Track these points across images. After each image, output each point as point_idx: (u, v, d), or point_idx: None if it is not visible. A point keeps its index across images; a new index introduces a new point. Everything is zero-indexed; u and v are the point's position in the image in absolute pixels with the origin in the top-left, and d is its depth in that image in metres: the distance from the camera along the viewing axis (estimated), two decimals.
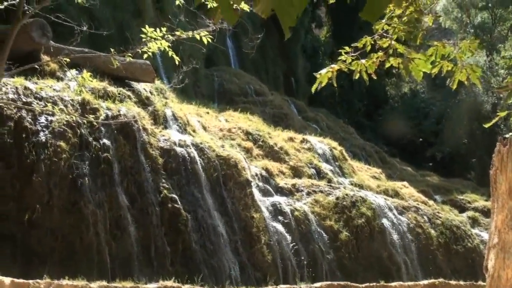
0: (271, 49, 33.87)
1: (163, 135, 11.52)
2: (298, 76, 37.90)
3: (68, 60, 7.00)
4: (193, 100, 18.37)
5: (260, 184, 13.14)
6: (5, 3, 7.23)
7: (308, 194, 13.77)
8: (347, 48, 6.70)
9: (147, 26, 6.95)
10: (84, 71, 7.60)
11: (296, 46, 37.34)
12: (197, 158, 11.48)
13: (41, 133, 9.54)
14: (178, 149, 11.32)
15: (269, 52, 33.53)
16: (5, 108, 9.32)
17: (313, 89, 6.74)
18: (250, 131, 15.52)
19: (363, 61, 6.63)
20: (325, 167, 15.91)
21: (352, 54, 6.66)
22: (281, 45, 35.66)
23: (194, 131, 13.17)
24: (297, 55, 38.13)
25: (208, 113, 16.57)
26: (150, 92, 13.18)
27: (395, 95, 45.24)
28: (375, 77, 6.81)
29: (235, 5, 2.38)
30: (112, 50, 7.55)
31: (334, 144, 18.07)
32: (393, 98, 44.83)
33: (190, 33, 7.05)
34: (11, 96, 9.71)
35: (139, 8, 22.39)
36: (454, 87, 6.56)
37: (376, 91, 40.55)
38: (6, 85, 9.70)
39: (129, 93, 12.13)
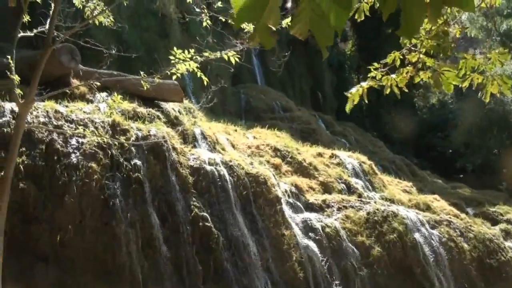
0: (297, 64, 33.93)
1: (193, 154, 11.57)
2: (325, 90, 37.90)
3: (98, 83, 7.12)
4: (221, 118, 18.45)
5: (290, 200, 13.06)
6: (35, 30, 7.39)
7: (339, 209, 13.65)
8: (376, 65, 6.72)
9: (175, 48, 7.03)
10: (115, 93, 7.69)
11: (322, 61, 37.36)
12: (227, 176, 11.50)
13: (73, 155, 9.63)
14: (208, 168, 11.36)
15: (295, 68, 33.60)
16: (36, 132, 9.46)
17: (347, 109, 6.76)
18: (279, 148, 15.49)
19: (393, 75, 6.63)
20: (355, 182, 15.78)
21: (382, 69, 6.67)
22: (307, 60, 35.71)
23: (223, 149, 13.21)
24: (323, 69, 38.15)
25: (236, 130, 16.61)
26: (179, 112, 13.30)
27: (423, 106, 44.89)
28: (406, 90, 6.81)
29: (272, 28, 2.43)
30: (141, 72, 7.65)
31: (364, 158, 17.94)
32: (421, 110, 44.49)
33: (218, 54, 7.12)
34: (42, 119, 9.86)
35: (166, 29, 22.65)
36: (487, 100, 6.53)
37: (403, 103, 40.30)
38: (37, 109, 9.85)
39: (158, 113, 12.26)
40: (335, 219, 13.23)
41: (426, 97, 45.02)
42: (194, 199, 10.77)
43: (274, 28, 2.45)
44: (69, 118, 10.22)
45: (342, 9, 2.33)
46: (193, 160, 11.37)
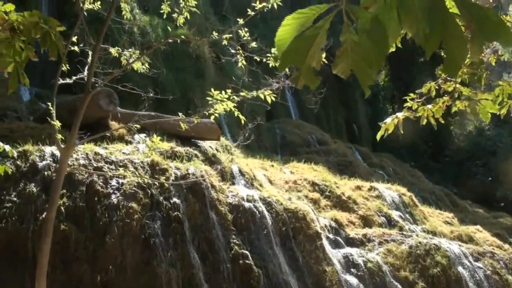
0: (331, 97, 33.92)
1: (231, 191, 11.59)
2: (360, 122, 37.77)
3: (138, 126, 7.24)
4: (257, 153, 18.49)
5: (330, 235, 12.91)
6: (73, 78, 7.59)
7: (380, 244, 13.42)
8: (412, 95, 6.71)
9: (212, 89, 7.12)
10: (153, 134, 7.81)
11: (355, 92, 37.35)
12: (266, 212, 11.46)
13: (113, 196, 9.75)
14: (247, 205, 11.34)
15: (329, 101, 33.58)
16: (76, 173, 9.61)
17: (378, 137, 6.73)
18: (316, 182, 15.37)
19: (430, 106, 6.61)
20: (396, 215, 15.53)
21: (418, 100, 6.67)
22: (341, 92, 35.71)
23: (260, 185, 13.20)
24: (357, 101, 38.09)
25: (272, 166, 16.57)
26: (216, 150, 13.41)
27: (460, 134, 44.38)
28: (442, 121, 6.77)
29: (316, 69, 2.54)
30: (180, 114, 7.76)
31: (403, 190, 17.68)
32: (459, 138, 43.98)
33: (254, 93, 7.19)
34: (82, 161, 10.04)
35: (201, 70, 22.94)
36: None
37: (440, 132, 39.89)
38: (77, 152, 10.03)
39: (196, 152, 12.37)
40: (377, 254, 12.99)
41: (462, 125, 44.52)
42: (233, 236, 10.75)
43: (318, 69, 2.52)
44: (108, 160, 10.38)
45: (379, 50, 2.40)
46: (231, 197, 11.39)
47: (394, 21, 2.38)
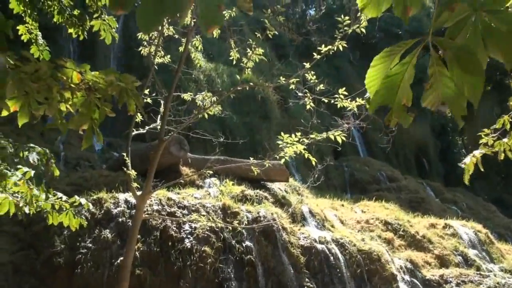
0: (398, 132, 33.37)
1: (303, 233, 11.51)
2: (429, 156, 36.91)
3: (211, 172, 7.36)
4: (325, 193, 18.31)
5: (406, 277, 12.53)
6: (147, 128, 7.82)
7: (458, 285, 12.86)
8: (486, 130, 6.58)
9: (282, 133, 7.16)
10: (226, 180, 7.88)
11: (423, 126, 36.64)
12: (339, 254, 11.28)
13: (186, 240, 9.86)
14: (319, 246, 11.21)
15: (396, 136, 33.07)
16: (150, 219, 9.79)
17: (466, 181, 6.60)
18: (389, 221, 15.02)
19: (506, 140, 6.46)
20: (472, 253, 14.94)
21: (493, 135, 6.53)
22: (409, 126, 35.13)
23: (332, 226, 13.04)
24: (426, 135, 37.34)
25: (343, 205, 16.36)
26: (285, 191, 13.39)
27: None
28: None
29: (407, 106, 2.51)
30: (251, 158, 7.84)
31: (479, 227, 17.03)
32: None
33: (324, 135, 7.18)
34: (155, 207, 10.23)
35: (267, 112, 23.10)
36: None
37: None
38: (151, 198, 10.23)
39: (265, 194, 12.39)
40: None
41: None
42: (307, 279, 10.62)
43: (408, 105, 2.51)
44: (181, 205, 10.54)
45: (475, 78, 2.34)
46: (303, 239, 11.29)
47: (481, 49, 2.34)
